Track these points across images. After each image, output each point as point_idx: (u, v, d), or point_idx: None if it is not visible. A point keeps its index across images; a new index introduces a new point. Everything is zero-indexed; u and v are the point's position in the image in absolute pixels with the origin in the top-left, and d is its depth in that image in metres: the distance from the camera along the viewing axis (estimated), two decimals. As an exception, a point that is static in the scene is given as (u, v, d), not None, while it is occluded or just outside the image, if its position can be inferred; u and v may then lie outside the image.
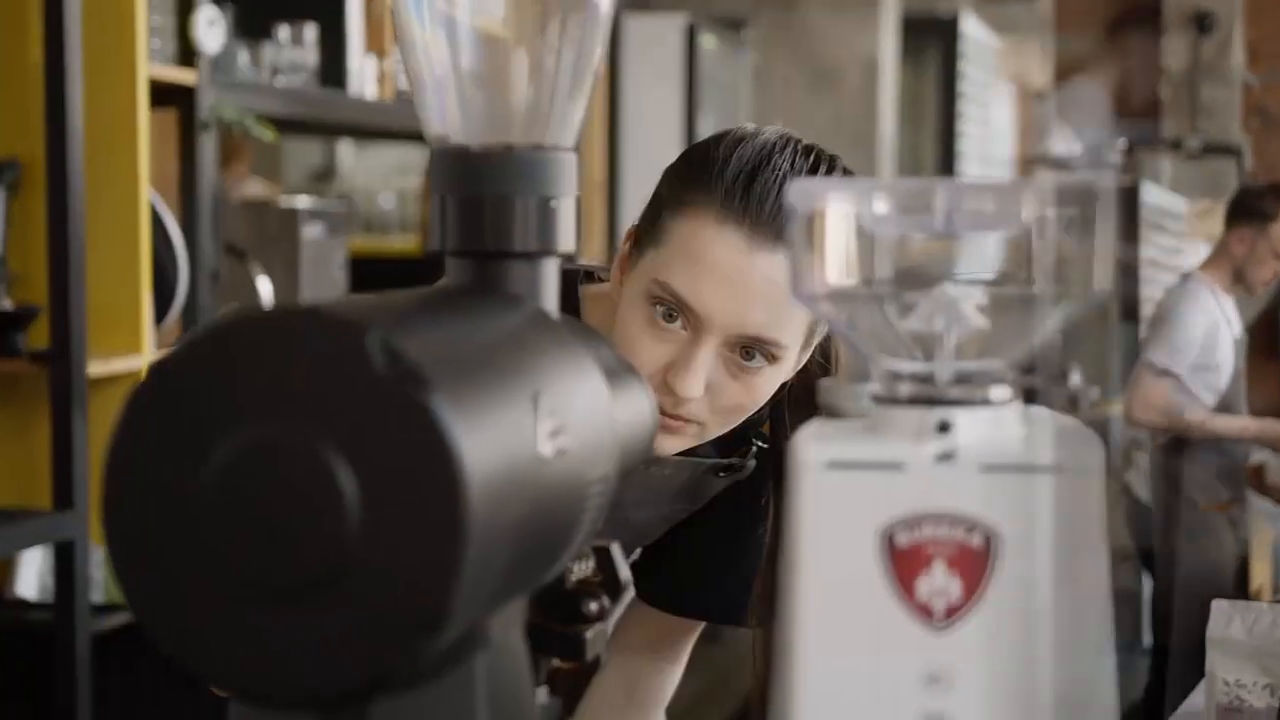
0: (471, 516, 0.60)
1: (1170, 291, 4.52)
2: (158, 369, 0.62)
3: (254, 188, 3.92)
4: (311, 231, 3.02)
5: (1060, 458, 0.67)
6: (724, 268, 1.22)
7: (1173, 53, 9.48)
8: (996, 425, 0.69)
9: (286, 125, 3.19)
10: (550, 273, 0.79)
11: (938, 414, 0.68)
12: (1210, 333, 4.26)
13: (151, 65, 2.53)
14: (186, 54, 2.63)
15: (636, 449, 0.84)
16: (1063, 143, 5.59)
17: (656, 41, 5.50)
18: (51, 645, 2.37)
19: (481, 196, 0.77)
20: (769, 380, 1.27)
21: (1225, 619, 1.89)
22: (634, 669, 1.55)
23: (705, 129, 6.59)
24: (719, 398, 1.26)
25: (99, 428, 2.39)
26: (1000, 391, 0.70)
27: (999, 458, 0.67)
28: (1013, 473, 0.67)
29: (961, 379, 0.70)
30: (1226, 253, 4.37)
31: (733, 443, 1.39)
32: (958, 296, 0.70)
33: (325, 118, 3.15)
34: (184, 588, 0.61)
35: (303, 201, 3.14)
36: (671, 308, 1.23)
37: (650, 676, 1.56)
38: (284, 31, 3.04)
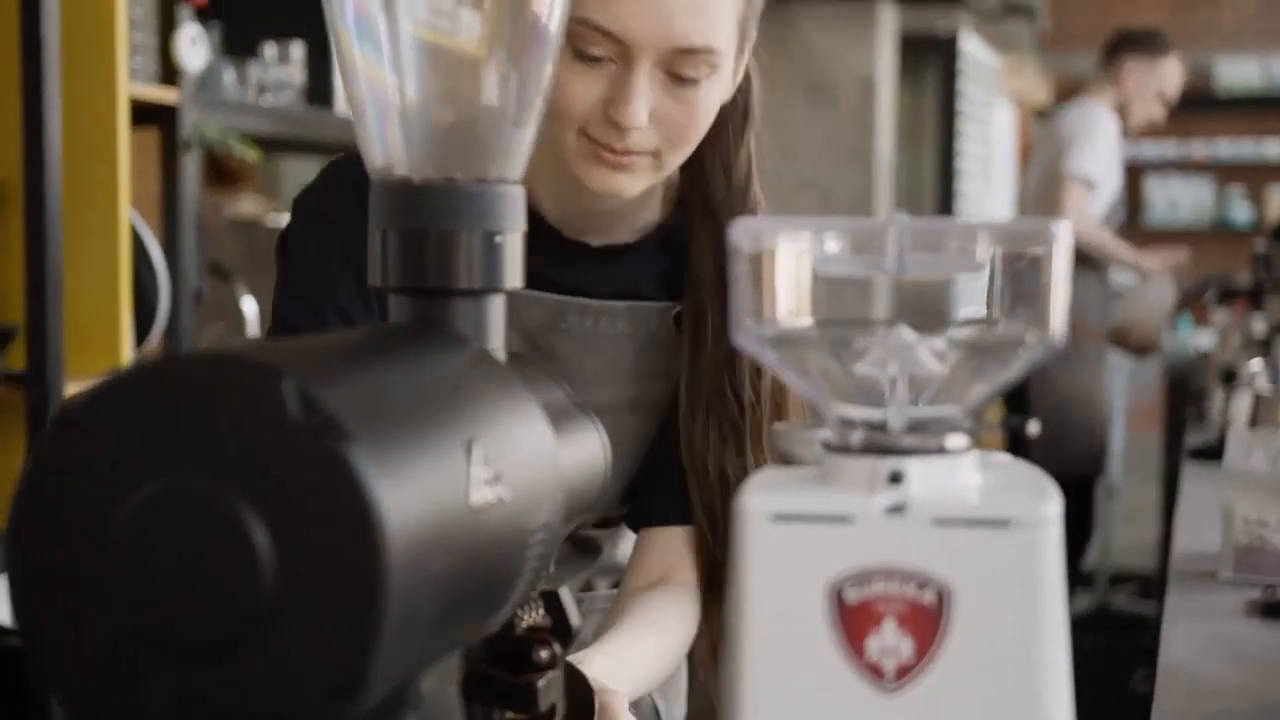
0: (392, 574, 0.57)
1: (1068, 110, 4.58)
2: (68, 411, 0.59)
3: (247, 205, 3.90)
4: (299, 251, 2.98)
5: (1015, 510, 0.64)
6: None
7: None
8: (951, 475, 0.66)
9: (273, 144, 3.16)
10: (496, 310, 0.76)
11: (889, 464, 0.65)
12: (1111, 149, 4.37)
13: (133, 84, 2.50)
14: (169, 73, 2.60)
15: (585, 493, 0.81)
16: None
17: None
18: (25, 670, 2.34)
19: (424, 231, 0.74)
20: (710, 94, 1.23)
21: (1244, 450, 1.75)
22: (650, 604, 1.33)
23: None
24: (665, 123, 1.22)
25: (75, 451, 2.36)
26: (956, 440, 0.67)
27: (952, 511, 0.64)
28: (966, 527, 0.64)
29: (916, 426, 0.67)
30: (1114, 86, 4.50)
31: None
32: (912, 341, 0.67)
33: (311, 136, 3.12)
34: (86, 639, 0.58)
35: (290, 220, 3.10)
36: (593, 43, 1.19)
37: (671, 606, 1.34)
38: (270, 50, 3.02)
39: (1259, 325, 3.90)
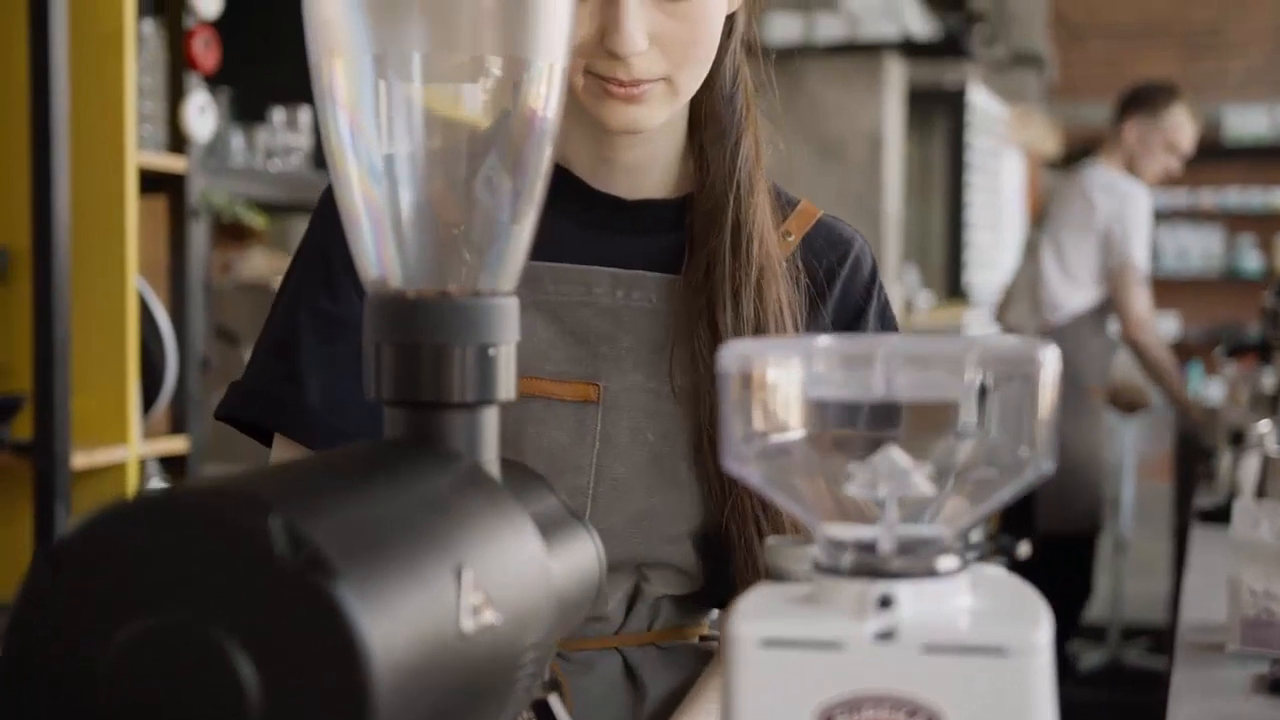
0: (380, 712, 0.57)
1: (1093, 184, 4.49)
2: (59, 548, 0.60)
3: (258, 260, 3.91)
4: (306, 314, 2.99)
5: (1007, 638, 0.63)
6: None
7: None
8: (942, 598, 0.66)
9: (282, 208, 3.18)
10: (490, 422, 0.76)
11: (879, 587, 0.65)
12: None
13: (142, 153, 2.52)
14: (178, 140, 2.62)
15: (579, 603, 0.81)
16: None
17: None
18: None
19: (418, 345, 0.74)
20: (708, 6, 1.18)
21: (1251, 520, 1.72)
22: None
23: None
24: (667, 44, 1.17)
25: (82, 520, 2.36)
26: (947, 561, 0.67)
27: (943, 637, 0.64)
28: (957, 654, 0.63)
29: (906, 548, 0.67)
30: (1120, 144, 4.52)
31: None
32: (902, 463, 0.67)
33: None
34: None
35: (298, 283, 3.11)
36: None
37: None
38: (279, 114, 3.04)
39: (1269, 380, 3.89)
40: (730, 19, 1.28)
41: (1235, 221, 10.13)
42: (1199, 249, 10.17)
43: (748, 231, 1.23)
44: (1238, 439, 3.09)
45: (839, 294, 1.30)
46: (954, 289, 7.30)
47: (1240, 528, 1.79)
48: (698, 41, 1.18)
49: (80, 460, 2.38)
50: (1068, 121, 10.04)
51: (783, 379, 0.67)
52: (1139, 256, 4.34)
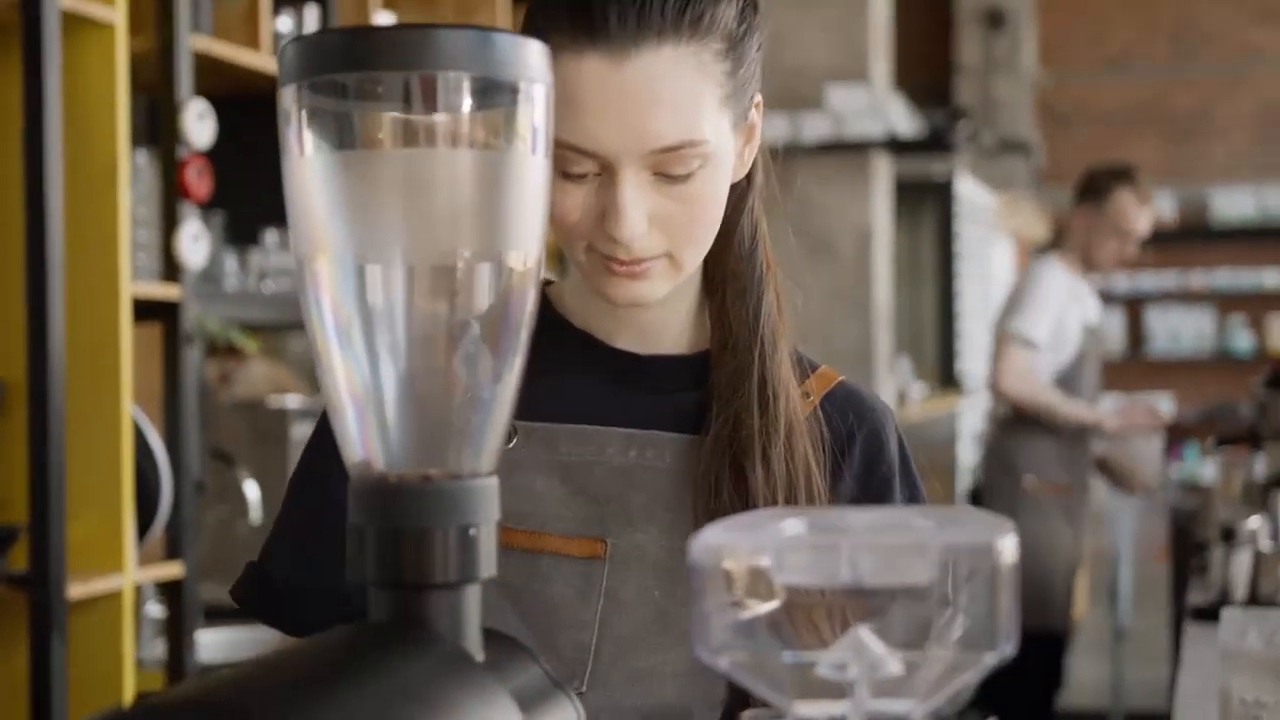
0: None
1: (1028, 269, 4.68)
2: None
3: (256, 372, 3.94)
4: (301, 431, 3.02)
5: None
6: (597, 96, 1.12)
7: (965, 49, 9.73)
8: (910, 779, 0.68)
9: (276, 327, 3.21)
10: (472, 600, 0.78)
11: (849, 771, 0.67)
12: (1063, 310, 4.39)
13: (136, 283, 2.55)
14: (171, 269, 2.66)
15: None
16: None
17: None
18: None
19: (400, 528, 0.77)
20: (711, 182, 1.17)
21: (1239, 629, 1.72)
22: None
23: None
24: (667, 224, 1.16)
25: (79, 651, 2.38)
26: (914, 741, 0.69)
27: (910, 819, 0.66)
28: (923, 837, 0.66)
29: (875, 727, 0.69)
30: (1072, 234, 4.54)
31: None
32: (870, 643, 0.70)
33: (312, 320, 3.14)
34: None
35: (293, 401, 3.15)
36: (573, 163, 1.14)
37: None
38: (271, 236, 3.08)
39: (1260, 467, 3.90)
40: (748, 177, 1.28)
41: (1226, 302, 10.21)
42: (1191, 330, 10.24)
43: (773, 388, 1.23)
44: (1228, 535, 3.11)
45: (859, 460, 1.28)
46: (947, 378, 7.34)
47: (1228, 637, 1.80)
48: (697, 220, 1.17)
49: (76, 590, 2.39)
50: (1056, 207, 10.14)
51: (753, 567, 0.70)
52: (1021, 323, 4.34)
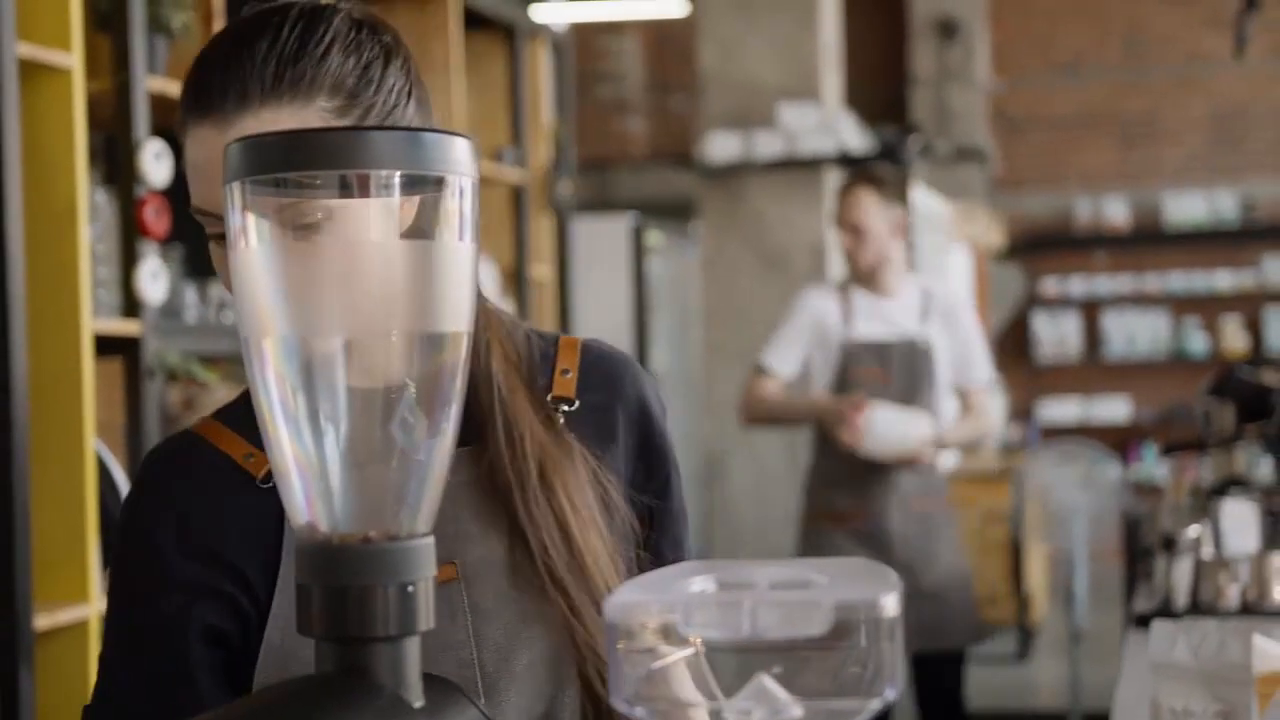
0: None
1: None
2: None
3: (221, 396, 3.98)
4: (262, 457, 3.07)
5: None
6: (210, 161, 1.18)
7: (919, 59, 9.86)
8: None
9: (236, 357, 3.27)
10: (412, 651, 0.85)
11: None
12: (816, 332, 4.18)
13: (97, 319, 2.61)
14: (131, 304, 2.71)
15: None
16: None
17: (605, 240, 5.64)
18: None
19: (344, 587, 0.83)
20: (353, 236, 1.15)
21: (1169, 641, 1.74)
22: None
23: (655, 321, 6.76)
24: None
25: (46, 681, 2.43)
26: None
27: None
28: None
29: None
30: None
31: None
32: (772, 689, 0.77)
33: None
34: None
35: (253, 428, 3.18)
36: (210, 223, 1.20)
37: None
38: (229, 268, 3.13)
39: (1206, 473, 3.98)
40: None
41: (1180, 305, 10.34)
42: (1146, 333, 10.36)
43: (519, 431, 1.27)
44: (1169, 544, 3.18)
45: (624, 427, 1.34)
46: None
47: (1158, 649, 1.85)
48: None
49: (43, 621, 2.45)
50: (1011, 213, 10.25)
51: (662, 623, 0.77)
52: (763, 355, 4.24)
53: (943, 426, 4.15)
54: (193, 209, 1.21)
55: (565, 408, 1.32)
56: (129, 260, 2.70)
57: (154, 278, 2.69)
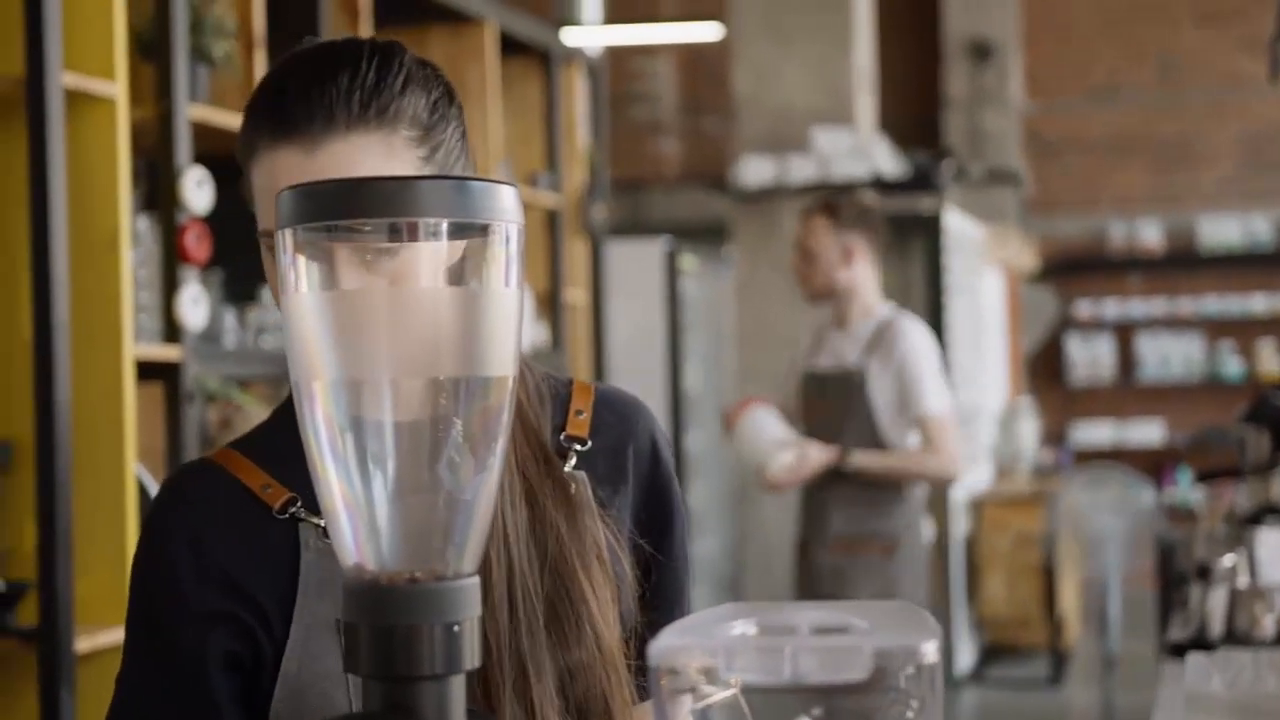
0: None
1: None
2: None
3: (258, 416, 4.02)
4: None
5: None
6: (285, 180, 1.17)
7: (952, 81, 9.84)
8: None
9: (275, 379, 3.30)
10: (458, 689, 0.87)
11: None
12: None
13: (138, 345, 2.64)
14: (172, 330, 2.74)
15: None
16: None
17: (639, 263, 5.66)
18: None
19: (391, 626, 0.85)
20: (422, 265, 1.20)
21: (1203, 674, 1.77)
22: None
23: (688, 344, 6.79)
24: None
25: (87, 704, 2.45)
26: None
27: None
28: None
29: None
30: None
31: None
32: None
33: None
34: None
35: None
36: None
37: None
38: (268, 293, 3.16)
39: (1242, 500, 3.96)
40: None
41: (1215, 328, 10.29)
42: (1180, 356, 10.32)
43: (540, 533, 1.28)
44: (1203, 573, 3.17)
45: (634, 468, 1.36)
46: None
47: (1194, 682, 1.86)
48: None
49: (84, 644, 2.47)
50: (1045, 235, 10.23)
51: (704, 667, 0.78)
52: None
53: (828, 454, 4.00)
54: (260, 232, 1.22)
55: (579, 447, 1.33)
56: (170, 286, 2.73)
57: (195, 303, 2.72)
